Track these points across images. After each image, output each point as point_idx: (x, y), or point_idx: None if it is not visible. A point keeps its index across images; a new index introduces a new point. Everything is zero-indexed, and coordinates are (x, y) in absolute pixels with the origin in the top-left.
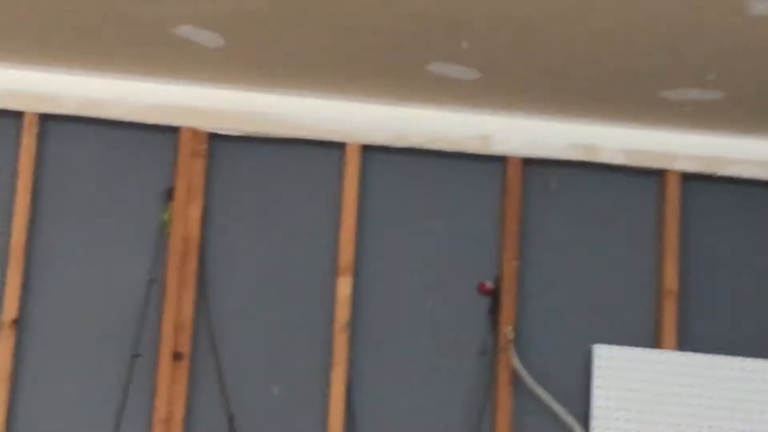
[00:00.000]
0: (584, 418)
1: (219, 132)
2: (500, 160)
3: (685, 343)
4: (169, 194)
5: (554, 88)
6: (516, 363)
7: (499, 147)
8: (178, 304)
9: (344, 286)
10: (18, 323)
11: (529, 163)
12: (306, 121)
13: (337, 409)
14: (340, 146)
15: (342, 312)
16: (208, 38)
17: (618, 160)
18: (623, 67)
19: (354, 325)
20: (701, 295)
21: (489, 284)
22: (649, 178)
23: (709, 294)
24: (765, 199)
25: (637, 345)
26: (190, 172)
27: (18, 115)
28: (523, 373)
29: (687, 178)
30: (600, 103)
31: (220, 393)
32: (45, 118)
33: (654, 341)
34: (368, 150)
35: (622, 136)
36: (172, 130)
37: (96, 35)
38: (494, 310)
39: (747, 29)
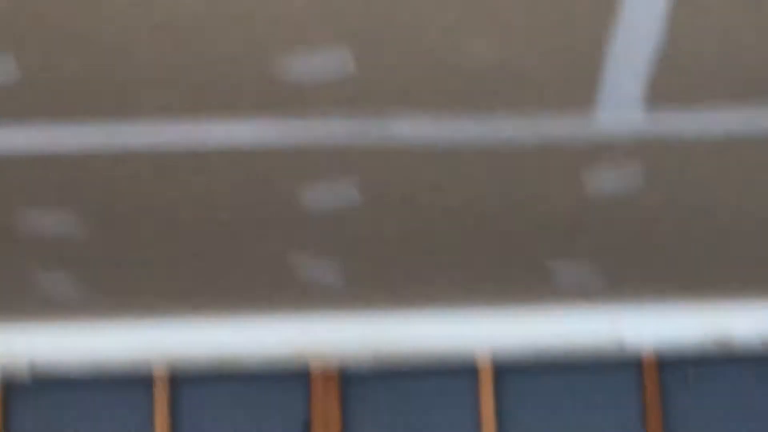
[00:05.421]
0: None
1: (350, 367)
2: (635, 364)
3: None
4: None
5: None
6: None
7: (631, 348)
8: None
9: None
10: None
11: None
12: (437, 346)
13: None
14: (472, 371)
15: None
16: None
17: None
18: None
19: None
20: None
21: None
22: None
23: None
24: None
25: None
26: (325, 410)
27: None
28: None
29: None
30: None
31: None
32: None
33: None
34: (502, 372)
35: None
36: (304, 370)
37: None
38: None
39: None
